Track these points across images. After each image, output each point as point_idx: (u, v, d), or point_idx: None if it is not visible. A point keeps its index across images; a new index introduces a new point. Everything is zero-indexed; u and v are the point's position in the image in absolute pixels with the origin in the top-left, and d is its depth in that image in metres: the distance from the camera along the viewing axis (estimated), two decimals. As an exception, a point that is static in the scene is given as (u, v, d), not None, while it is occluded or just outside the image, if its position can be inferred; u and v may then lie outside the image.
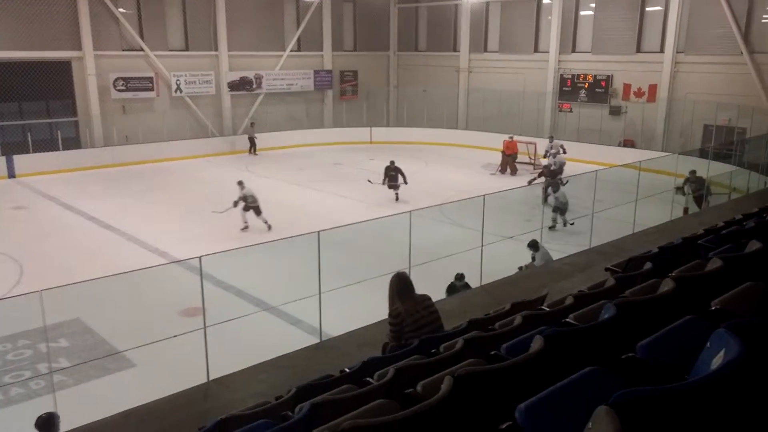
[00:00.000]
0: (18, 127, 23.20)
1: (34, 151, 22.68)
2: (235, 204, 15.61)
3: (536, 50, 27.74)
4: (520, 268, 10.69)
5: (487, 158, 23.79)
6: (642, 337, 2.58)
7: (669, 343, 2.47)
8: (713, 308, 2.81)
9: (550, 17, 26.92)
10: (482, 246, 9.62)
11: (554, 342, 3.01)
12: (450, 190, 19.24)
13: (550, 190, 15.94)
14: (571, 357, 2.76)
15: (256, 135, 26.77)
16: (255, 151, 26.67)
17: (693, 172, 15.30)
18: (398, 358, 4.28)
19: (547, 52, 26.99)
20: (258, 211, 15.70)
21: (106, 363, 8.96)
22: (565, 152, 21.09)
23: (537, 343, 3.02)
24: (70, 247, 14.11)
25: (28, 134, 22.86)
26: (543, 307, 5.00)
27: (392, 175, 18.58)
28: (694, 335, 2.37)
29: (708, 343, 2.15)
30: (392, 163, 18.78)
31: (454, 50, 30.63)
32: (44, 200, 18.69)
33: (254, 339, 9.13)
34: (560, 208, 14.85)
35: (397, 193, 18.42)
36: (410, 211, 9.09)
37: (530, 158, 23.58)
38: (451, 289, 9.54)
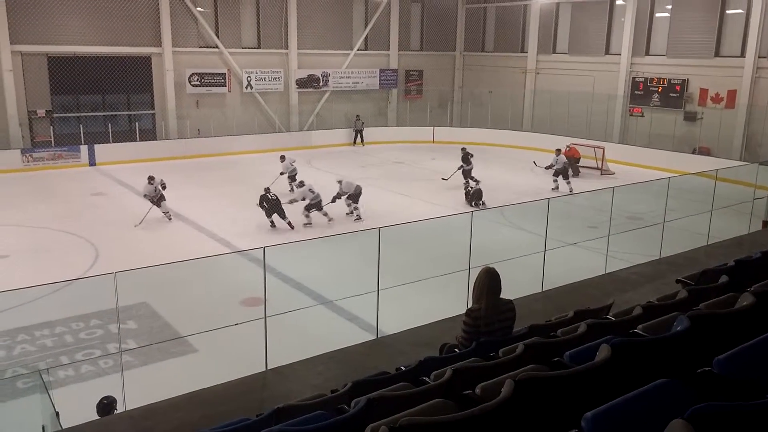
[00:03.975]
0: (100, 118, 24.40)
1: (114, 141, 23.75)
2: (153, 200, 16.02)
3: (607, 52, 26.95)
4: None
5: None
6: (718, 351, 2.45)
7: (749, 359, 2.33)
8: (797, 325, 2.65)
9: (623, 19, 26.10)
10: (545, 251, 9.41)
11: (622, 352, 2.90)
12: (512, 192, 18.95)
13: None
14: (640, 368, 2.65)
15: (362, 128, 28.21)
16: (363, 142, 28.10)
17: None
18: (455, 359, 4.23)
19: (619, 54, 26.17)
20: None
21: (170, 347, 9.27)
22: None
23: (604, 352, 2.92)
24: (141, 234, 14.67)
25: (109, 125, 23.97)
26: (609, 317, 4.85)
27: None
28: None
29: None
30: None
31: (522, 51, 30.14)
32: (120, 188, 19.51)
33: (311, 332, 9.25)
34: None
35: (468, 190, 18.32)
36: (471, 212, 9.00)
37: (597, 162, 22.93)
38: None
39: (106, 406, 6.03)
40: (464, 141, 28.44)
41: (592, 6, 27.28)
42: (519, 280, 9.94)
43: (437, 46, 32.25)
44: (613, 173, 22.43)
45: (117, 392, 6.44)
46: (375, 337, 7.57)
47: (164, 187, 16.00)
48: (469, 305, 4.83)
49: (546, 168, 19.89)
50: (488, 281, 4.74)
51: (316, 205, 15.83)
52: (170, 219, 15.88)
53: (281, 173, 19.06)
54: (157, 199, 15.84)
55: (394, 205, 17.87)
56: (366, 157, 25.73)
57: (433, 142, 29.28)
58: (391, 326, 7.76)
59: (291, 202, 15.73)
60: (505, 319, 4.80)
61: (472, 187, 18.11)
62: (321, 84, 28.90)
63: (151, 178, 15.98)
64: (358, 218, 16.17)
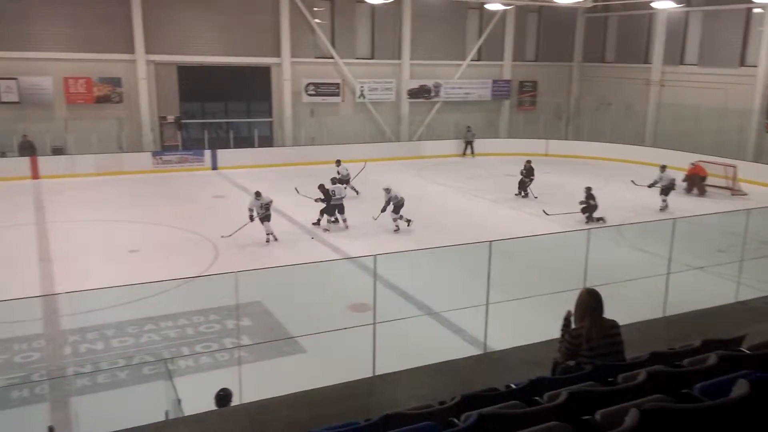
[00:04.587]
0: (223, 124, 25.99)
1: (235, 147, 25.12)
2: (252, 219, 15.01)
3: (742, 64, 25.07)
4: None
5: (676, 178, 21.96)
6: None
7: None
8: None
9: (760, 28, 24.20)
10: (668, 273, 8.87)
11: (763, 389, 2.67)
12: (630, 210, 18.05)
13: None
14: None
15: (473, 139, 28.21)
16: (473, 153, 28.09)
17: None
18: (570, 382, 4.08)
19: (756, 66, 24.28)
20: (269, 219, 15.09)
21: (281, 345, 9.62)
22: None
23: (741, 388, 2.70)
24: (256, 236, 15.34)
25: (231, 131, 25.41)
26: (742, 349, 4.49)
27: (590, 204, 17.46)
28: None
29: None
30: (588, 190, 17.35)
31: (646, 62, 28.70)
32: (239, 191, 20.56)
33: (416, 341, 9.26)
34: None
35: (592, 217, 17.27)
36: (588, 229, 8.65)
37: (728, 182, 21.36)
38: None
39: (223, 398, 6.34)
40: (580, 155, 27.57)
41: (726, 14, 25.50)
42: (638, 304, 9.46)
43: (553, 56, 31.45)
44: (746, 194, 20.80)
45: (232, 385, 6.76)
46: (482, 352, 7.44)
47: (267, 208, 15.08)
48: None
49: (649, 186, 18.60)
50: (591, 301, 4.67)
51: (334, 207, 16.22)
52: (273, 240, 15.03)
53: (332, 178, 19.54)
54: (262, 218, 15.00)
55: (502, 219, 17.58)
56: (475, 168, 25.51)
57: (546, 155, 28.51)
58: (498, 341, 7.61)
59: (317, 200, 16.32)
60: (613, 341, 4.68)
61: (588, 204, 17.23)
62: (432, 94, 29.02)
63: (257, 194, 15.34)
64: (397, 229, 16.07)
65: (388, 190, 16.22)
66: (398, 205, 16.11)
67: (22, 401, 8.36)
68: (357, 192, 19.18)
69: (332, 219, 16.54)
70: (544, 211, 17.43)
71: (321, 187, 16.55)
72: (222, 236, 14.86)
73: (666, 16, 27.24)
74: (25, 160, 21.84)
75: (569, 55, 31.77)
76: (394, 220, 16.08)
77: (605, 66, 30.77)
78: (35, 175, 21.79)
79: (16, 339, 9.63)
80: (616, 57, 30.49)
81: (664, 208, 18.34)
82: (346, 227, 16.47)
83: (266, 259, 13.74)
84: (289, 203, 17.79)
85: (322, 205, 16.37)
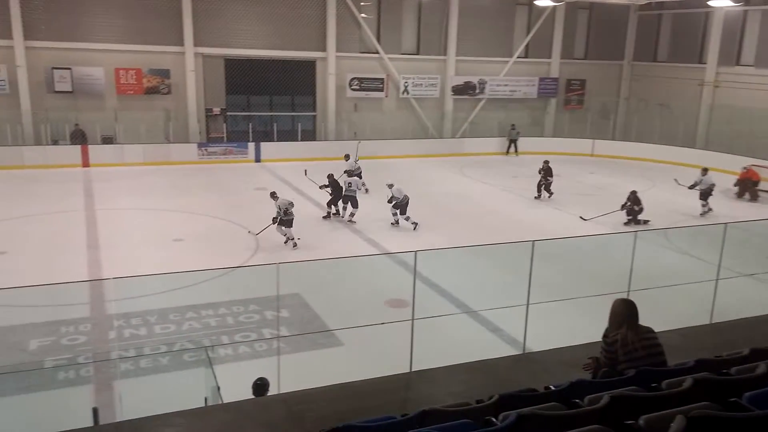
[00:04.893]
0: (267, 117, 26.26)
1: (278, 140, 25.40)
2: (274, 221, 14.20)
3: (803, 65, 24.12)
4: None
5: (727, 181, 21.25)
6: None
7: None
8: None
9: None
10: (717, 279, 8.59)
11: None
12: (679, 214, 17.57)
13: None
14: None
15: (517, 138, 27.95)
16: (516, 151, 27.80)
17: None
18: (612, 386, 3.99)
19: (817, 67, 23.33)
20: (289, 224, 14.19)
21: (319, 338, 9.69)
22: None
23: (795, 399, 2.58)
24: (299, 229, 15.48)
25: (275, 125, 25.70)
26: (794, 359, 4.30)
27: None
28: None
29: None
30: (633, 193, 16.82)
31: (700, 62, 27.84)
32: (281, 184, 20.77)
33: (453, 339, 9.21)
34: None
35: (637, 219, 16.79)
36: (635, 232, 8.44)
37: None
38: None
39: (260, 386, 6.42)
40: (627, 156, 26.95)
41: (785, 13, 24.57)
42: (684, 310, 9.22)
43: (603, 54, 30.80)
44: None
45: (269, 375, 6.84)
46: (521, 352, 7.34)
47: (286, 212, 14.08)
48: None
49: (689, 187, 17.90)
50: (627, 311, 4.72)
51: (346, 198, 16.25)
52: (293, 246, 14.08)
53: (345, 171, 19.56)
54: (281, 221, 14.13)
55: (544, 218, 17.31)
56: (519, 167, 25.18)
57: (592, 155, 27.98)
58: (536, 342, 7.50)
59: (321, 187, 16.55)
60: (650, 345, 4.68)
61: (631, 207, 16.78)
62: (477, 91, 28.77)
63: (273, 195, 14.45)
64: (395, 223, 16.01)
65: (390, 186, 16.01)
66: (402, 205, 15.83)
67: (68, 382, 8.63)
68: (366, 190, 18.91)
69: (334, 211, 16.65)
70: (581, 218, 16.86)
71: (330, 176, 16.66)
72: (249, 232, 14.88)
73: (723, 15, 26.36)
74: (77, 149, 22.53)
75: (620, 53, 31.08)
76: (394, 214, 16.01)
77: (657, 65, 29.99)
78: (85, 163, 22.46)
79: (63, 322, 9.95)
80: (668, 56, 29.67)
81: (704, 213, 17.73)
82: (351, 221, 16.39)
83: (305, 252, 13.84)
84: (325, 197, 17.84)
85: (326, 193, 16.58)
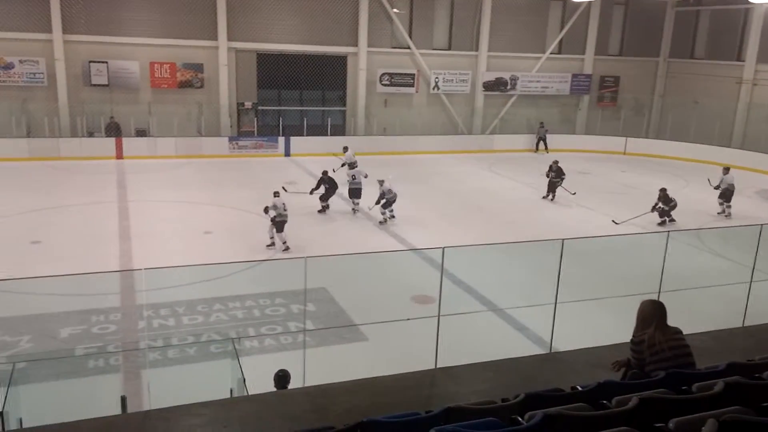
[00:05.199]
0: (297, 112, 26.40)
1: (308, 135, 25.50)
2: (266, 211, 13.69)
3: None
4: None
5: (762, 182, 20.73)
6: None
7: None
8: None
9: None
10: (750, 282, 8.37)
11: None
12: (711, 215, 17.17)
13: None
14: None
15: (545, 135, 27.58)
16: (546, 148, 27.39)
17: None
18: (640, 387, 3.92)
19: None
20: (281, 228, 13.63)
21: (344, 332, 9.71)
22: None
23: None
24: (323, 223, 15.55)
25: (305, 119, 25.83)
26: (831, 365, 4.17)
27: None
28: None
29: None
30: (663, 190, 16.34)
31: (738, 59, 27.15)
32: (309, 178, 20.85)
33: (479, 336, 9.15)
34: None
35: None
36: (668, 232, 8.27)
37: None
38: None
39: (282, 378, 6.45)
40: (661, 154, 26.45)
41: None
42: (716, 312, 9.01)
43: (638, 51, 30.23)
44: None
45: (294, 368, 6.87)
46: (547, 352, 7.26)
47: (281, 213, 13.56)
48: None
49: (715, 188, 17.34)
50: (656, 312, 4.67)
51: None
52: (283, 250, 13.46)
53: (343, 164, 19.76)
54: (275, 223, 13.58)
55: (573, 217, 17.09)
56: (549, 164, 24.84)
57: (625, 153, 27.51)
58: (563, 342, 7.41)
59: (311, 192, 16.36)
60: (678, 346, 4.62)
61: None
62: (508, 87, 28.50)
63: (275, 194, 13.90)
64: (384, 221, 15.74)
65: (381, 182, 15.81)
66: (391, 200, 15.70)
67: (98, 370, 8.80)
68: (366, 176, 18.52)
69: (325, 205, 16.52)
70: (613, 221, 16.17)
71: (325, 173, 16.55)
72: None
73: (763, 12, 25.64)
74: (111, 141, 22.95)
75: (655, 50, 30.48)
76: (382, 213, 15.77)
77: (694, 62, 29.32)
78: (119, 155, 22.86)
79: (94, 311, 10.15)
80: (706, 53, 29.00)
81: (721, 213, 17.23)
82: (354, 212, 16.46)
83: (331, 247, 13.89)
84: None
85: (322, 194, 16.48)
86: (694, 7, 29.07)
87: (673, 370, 4.33)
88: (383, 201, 15.64)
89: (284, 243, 13.57)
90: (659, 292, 7.53)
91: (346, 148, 20.78)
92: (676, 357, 4.59)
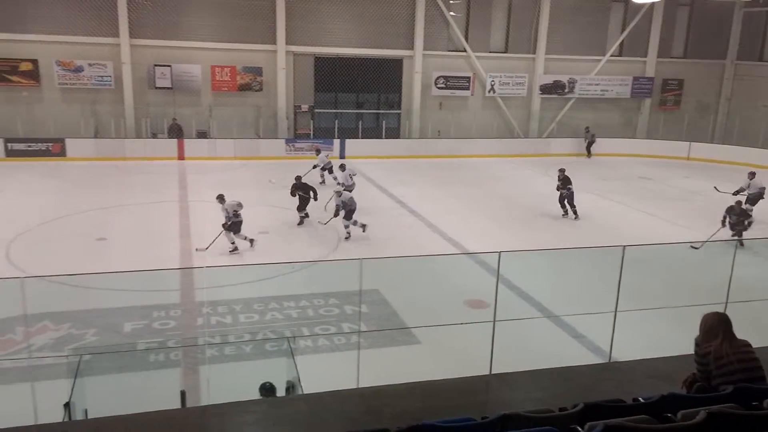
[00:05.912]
0: (353, 115, 26.62)
1: (363, 137, 25.69)
2: (224, 227, 13.17)
3: None
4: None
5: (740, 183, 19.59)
6: None
7: None
8: None
9: None
10: (827, 295, 7.94)
11: None
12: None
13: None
14: None
15: (593, 140, 26.93)
16: (589, 154, 26.82)
17: None
18: (706, 401, 3.76)
19: None
20: (237, 229, 13.25)
21: (397, 335, 9.71)
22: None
23: None
24: (379, 226, 15.59)
25: (360, 122, 26.02)
26: None
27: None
28: None
29: None
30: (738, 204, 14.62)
31: (812, 61, 25.89)
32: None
33: (534, 343, 8.98)
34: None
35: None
36: (737, 240, 7.93)
37: None
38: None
39: (269, 391, 6.37)
40: (726, 160, 25.43)
41: None
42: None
43: (703, 53, 29.17)
44: None
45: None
46: (606, 361, 7.06)
47: (235, 214, 13.17)
48: None
49: (733, 194, 15.88)
50: (721, 323, 4.48)
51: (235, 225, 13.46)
52: (251, 245, 13.36)
53: (314, 166, 19.53)
54: (231, 225, 13.17)
55: (634, 224, 16.59)
56: (608, 170, 24.28)
57: (688, 158, 26.57)
58: (621, 352, 7.19)
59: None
60: (746, 359, 4.38)
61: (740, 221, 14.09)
62: (566, 90, 27.96)
63: (220, 198, 13.43)
64: (348, 236, 14.42)
65: (339, 194, 14.67)
66: (350, 211, 14.46)
67: (159, 365, 9.06)
68: (353, 174, 17.84)
69: (303, 215, 15.62)
70: (692, 246, 13.50)
71: (298, 178, 15.67)
72: (196, 250, 13.27)
73: (841, 10, 24.37)
74: (173, 142, 23.68)
75: (722, 52, 29.36)
76: (346, 227, 14.51)
77: (763, 65, 28.09)
78: (181, 156, 23.56)
79: (155, 307, 10.46)
80: (776, 55, 27.77)
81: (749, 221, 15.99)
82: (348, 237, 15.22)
83: (385, 248, 13.91)
84: (413, 196, 17.85)
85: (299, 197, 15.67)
86: (764, 7, 27.84)
87: (741, 384, 4.15)
88: (342, 213, 14.41)
89: (246, 239, 13.28)
90: (726, 302, 7.22)
91: (318, 151, 20.68)
92: (744, 370, 4.38)
